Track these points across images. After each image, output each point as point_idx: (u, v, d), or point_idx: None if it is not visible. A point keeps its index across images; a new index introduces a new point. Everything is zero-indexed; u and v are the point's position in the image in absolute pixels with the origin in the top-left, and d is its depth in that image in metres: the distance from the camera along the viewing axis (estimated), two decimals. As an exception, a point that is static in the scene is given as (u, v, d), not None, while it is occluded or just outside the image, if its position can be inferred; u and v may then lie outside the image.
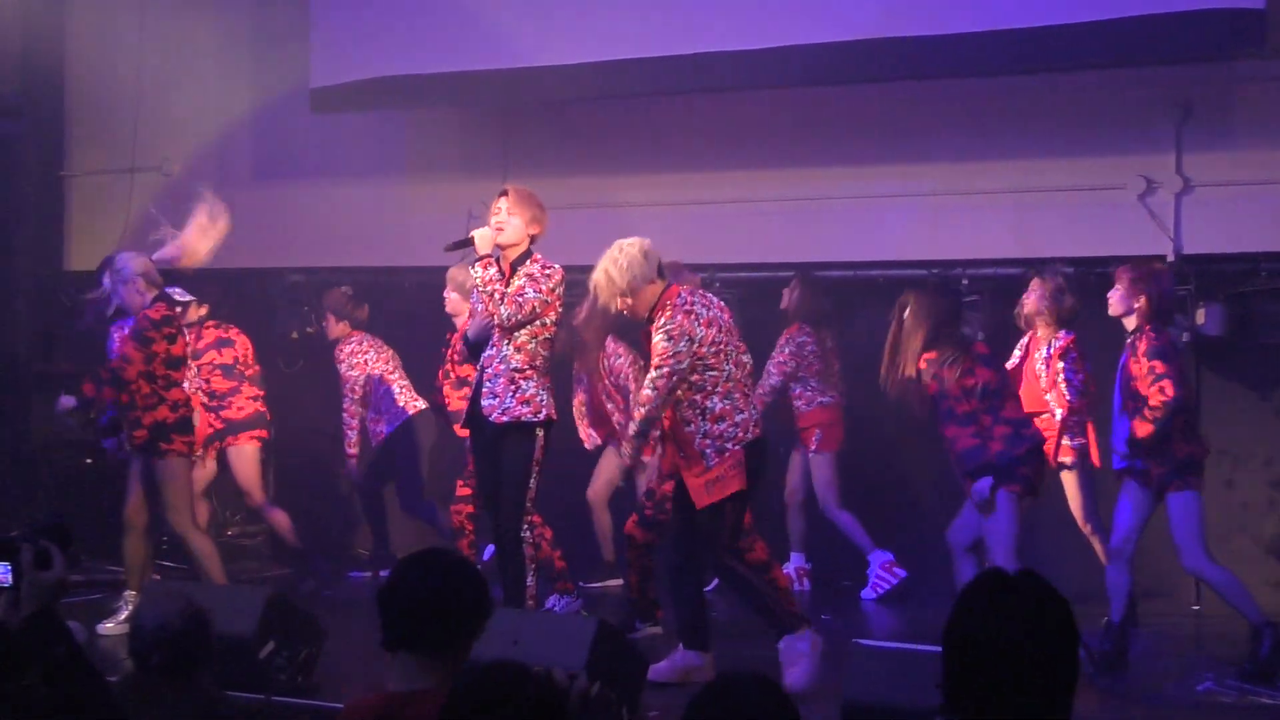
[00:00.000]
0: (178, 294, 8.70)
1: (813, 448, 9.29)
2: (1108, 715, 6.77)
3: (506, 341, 7.03)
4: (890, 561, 9.25)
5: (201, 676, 4.44)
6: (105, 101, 11.85)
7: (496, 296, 6.97)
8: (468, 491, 8.52)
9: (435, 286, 10.09)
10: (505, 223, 7.09)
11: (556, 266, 7.16)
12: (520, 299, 6.99)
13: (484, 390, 7.06)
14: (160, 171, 11.71)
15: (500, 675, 3.02)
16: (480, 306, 7.18)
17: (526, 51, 9.75)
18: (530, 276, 7.07)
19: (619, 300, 6.81)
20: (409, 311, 10.31)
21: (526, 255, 7.13)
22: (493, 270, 7.03)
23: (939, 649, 2.98)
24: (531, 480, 7.02)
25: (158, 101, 11.56)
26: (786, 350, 9.26)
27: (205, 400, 9.30)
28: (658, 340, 6.68)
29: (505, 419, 7.01)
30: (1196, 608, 8.86)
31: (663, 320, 6.70)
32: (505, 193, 7.17)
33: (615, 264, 6.74)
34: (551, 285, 7.08)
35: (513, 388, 7.01)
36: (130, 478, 8.21)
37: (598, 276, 6.82)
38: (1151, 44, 8.41)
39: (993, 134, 9.35)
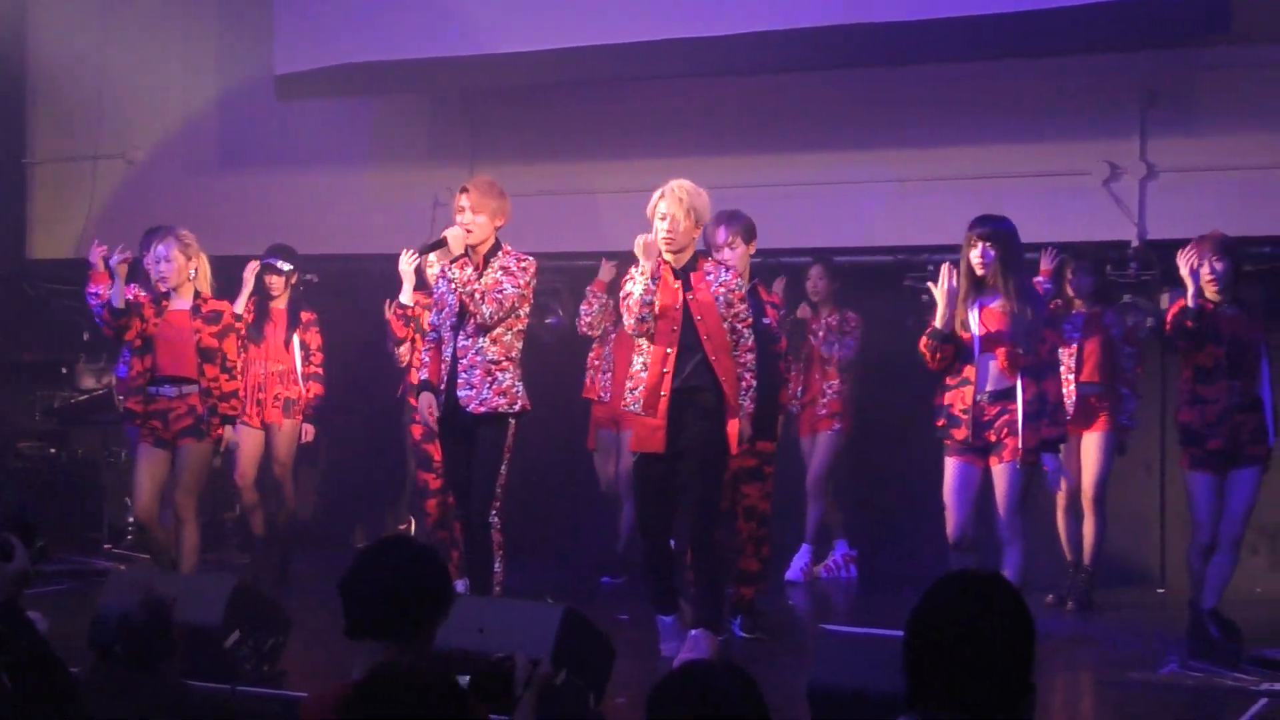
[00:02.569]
0: (280, 264, 9.14)
1: (836, 427, 9.32)
2: (1073, 700, 6.81)
3: (482, 334, 7.05)
4: (809, 563, 9.41)
5: (164, 666, 4.42)
6: (68, 88, 11.78)
7: (477, 296, 6.99)
8: (440, 484, 8.48)
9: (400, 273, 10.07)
10: (472, 224, 7.10)
11: (530, 258, 7.21)
12: (500, 295, 7.02)
13: (460, 381, 7.07)
14: (124, 159, 11.66)
15: (398, 677, 3.04)
16: (451, 298, 7.15)
17: (493, 38, 9.73)
18: (507, 270, 7.10)
19: (680, 225, 6.79)
20: (375, 299, 10.27)
21: (496, 247, 7.17)
22: (469, 270, 7.04)
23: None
24: (503, 468, 7.08)
25: (121, 88, 11.49)
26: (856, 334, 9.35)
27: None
28: (743, 307, 6.89)
29: (482, 409, 7.05)
30: (1161, 590, 8.92)
31: (737, 281, 6.93)
32: (465, 190, 7.16)
33: (683, 188, 6.81)
34: (528, 279, 7.15)
35: (490, 379, 7.06)
36: (140, 473, 8.07)
37: (669, 194, 6.80)
38: (1116, 30, 8.46)
39: (958, 120, 9.37)
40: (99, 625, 4.39)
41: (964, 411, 6.87)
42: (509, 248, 7.20)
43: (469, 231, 7.09)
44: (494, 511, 7.05)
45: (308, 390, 9.24)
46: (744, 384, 6.86)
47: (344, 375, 9.77)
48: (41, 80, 11.98)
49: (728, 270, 6.97)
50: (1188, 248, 7.10)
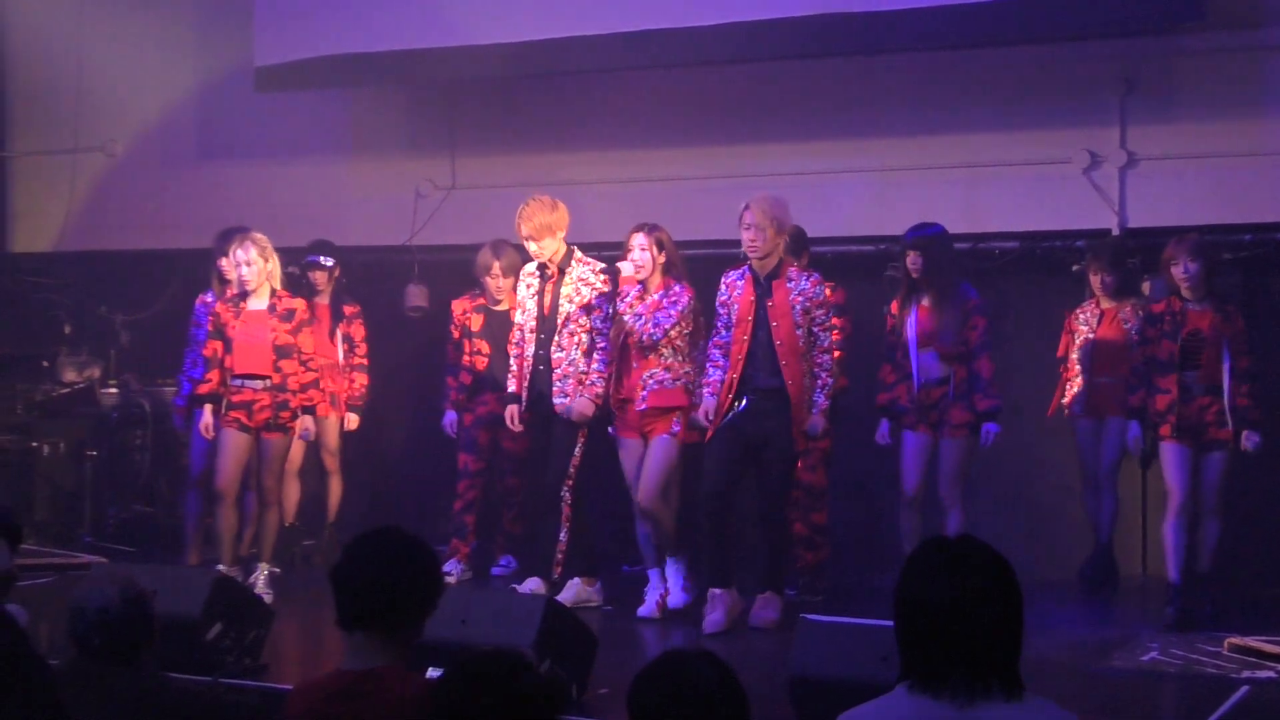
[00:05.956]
0: (323, 260, 9.36)
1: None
2: (1054, 687, 6.81)
3: (575, 346, 7.86)
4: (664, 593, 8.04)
5: (144, 659, 4.41)
6: (46, 81, 11.75)
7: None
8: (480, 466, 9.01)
9: (382, 265, 10.07)
10: (540, 251, 7.89)
11: (605, 271, 7.86)
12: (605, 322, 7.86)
13: (555, 389, 7.89)
14: (103, 152, 11.63)
15: (496, 664, 3.08)
16: (531, 302, 8.00)
17: (472, 29, 9.72)
18: (590, 285, 7.87)
19: (764, 235, 7.34)
20: (356, 291, 10.25)
21: (569, 254, 7.96)
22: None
23: (885, 623, 2.99)
24: (577, 449, 7.88)
25: (100, 81, 11.46)
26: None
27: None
28: (821, 313, 7.47)
29: (574, 418, 7.82)
30: (1142, 574, 8.92)
31: (816, 289, 7.46)
32: (521, 222, 7.86)
33: (763, 200, 7.39)
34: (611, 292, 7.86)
35: (580, 389, 7.82)
36: (225, 457, 8.27)
37: (753, 206, 7.38)
38: (1094, 17, 8.48)
39: (938, 109, 9.37)
40: (78, 618, 4.38)
41: (910, 401, 7.84)
42: (580, 255, 7.99)
43: (551, 264, 7.91)
44: (566, 488, 7.85)
45: (353, 381, 9.40)
46: (819, 382, 7.47)
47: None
48: (20, 73, 11.94)
49: (809, 278, 7.48)
50: (1165, 252, 7.66)
